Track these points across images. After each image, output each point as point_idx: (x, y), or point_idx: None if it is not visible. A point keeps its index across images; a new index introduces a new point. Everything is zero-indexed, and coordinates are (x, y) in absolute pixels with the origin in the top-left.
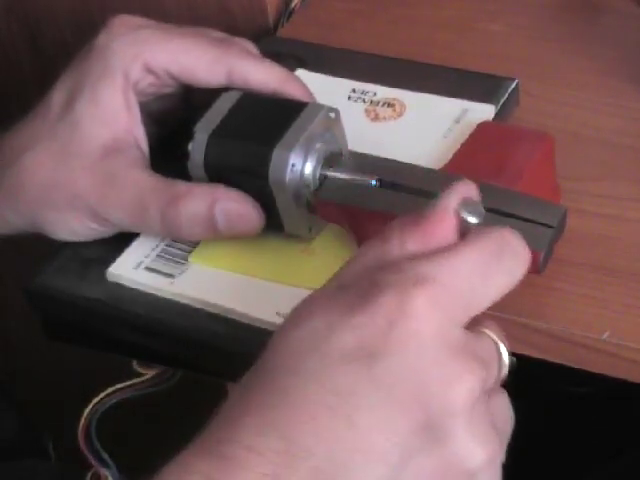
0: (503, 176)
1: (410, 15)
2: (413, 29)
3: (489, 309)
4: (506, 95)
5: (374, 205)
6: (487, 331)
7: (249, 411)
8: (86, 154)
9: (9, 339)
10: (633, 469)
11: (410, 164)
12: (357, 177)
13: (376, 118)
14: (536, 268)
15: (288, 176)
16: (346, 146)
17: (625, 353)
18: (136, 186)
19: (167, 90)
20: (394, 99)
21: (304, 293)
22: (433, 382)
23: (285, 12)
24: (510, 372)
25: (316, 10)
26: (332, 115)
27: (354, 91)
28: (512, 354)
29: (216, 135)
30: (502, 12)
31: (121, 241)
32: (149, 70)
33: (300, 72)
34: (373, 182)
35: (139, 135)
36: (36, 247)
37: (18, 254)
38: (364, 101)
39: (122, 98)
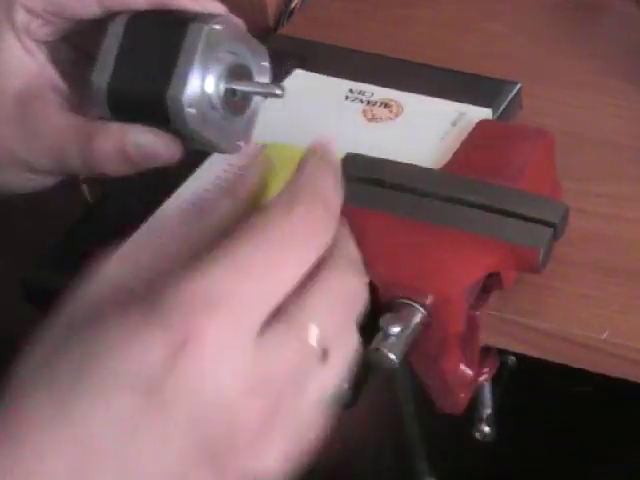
0: (504, 174)
1: (410, 15)
2: (413, 29)
3: (489, 309)
4: (507, 99)
5: (374, 205)
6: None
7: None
8: (2, 107)
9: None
10: (633, 469)
11: (409, 164)
12: (262, 89)
13: (373, 119)
14: (535, 266)
15: (189, 117)
16: (256, 55)
17: (625, 353)
18: (54, 128)
19: (66, 25)
20: (391, 100)
21: None
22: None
23: (285, 12)
24: (510, 372)
25: (316, 10)
26: (218, 27)
27: (351, 91)
28: (512, 354)
29: (112, 85)
30: (502, 12)
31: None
32: (31, 12)
33: (298, 72)
34: (278, 91)
35: (52, 77)
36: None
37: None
38: (361, 101)
39: (19, 45)
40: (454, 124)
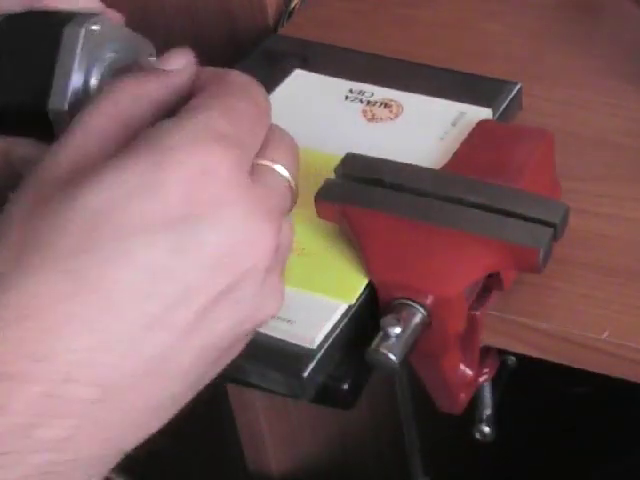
0: (504, 174)
1: (410, 15)
2: (413, 29)
3: (489, 309)
4: (507, 99)
5: (374, 205)
6: (276, 167)
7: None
8: None
9: None
10: (633, 469)
11: (409, 164)
12: None
13: (373, 119)
14: (535, 266)
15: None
16: (142, 52)
17: (625, 353)
18: None
19: None
20: (391, 100)
21: (295, 294)
22: (240, 246)
23: (285, 12)
24: (510, 372)
25: (316, 10)
26: (95, 28)
27: (351, 91)
28: (512, 354)
29: None
30: (502, 12)
31: None
32: None
33: (298, 72)
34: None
35: None
36: None
37: None
38: (361, 101)
39: None
40: (454, 124)
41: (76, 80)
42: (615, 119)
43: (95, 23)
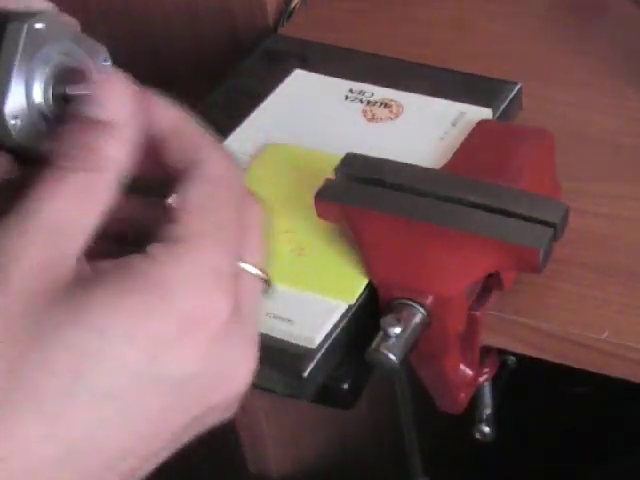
0: (504, 174)
1: (410, 15)
2: (413, 29)
3: (489, 309)
4: (507, 99)
5: (374, 205)
6: (254, 271)
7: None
8: None
9: None
10: (633, 469)
11: (409, 164)
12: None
13: (373, 118)
14: (535, 266)
15: (15, 131)
16: (93, 54)
17: (625, 353)
18: None
19: None
20: (391, 100)
21: (295, 294)
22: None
23: (285, 12)
24: (510, 372)
25: (316, 10)
26: (40, 26)
27: (351, 91)
28: (512, 354)
29: None
30: (502, 12)
31: None
32: None
33: (298, 72)
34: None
35: None
36: None
37: None
38: (361, 101)
39: None
40: (454, 124)
41: (18, 81)
42: (615, 119)
43: (40, 21)
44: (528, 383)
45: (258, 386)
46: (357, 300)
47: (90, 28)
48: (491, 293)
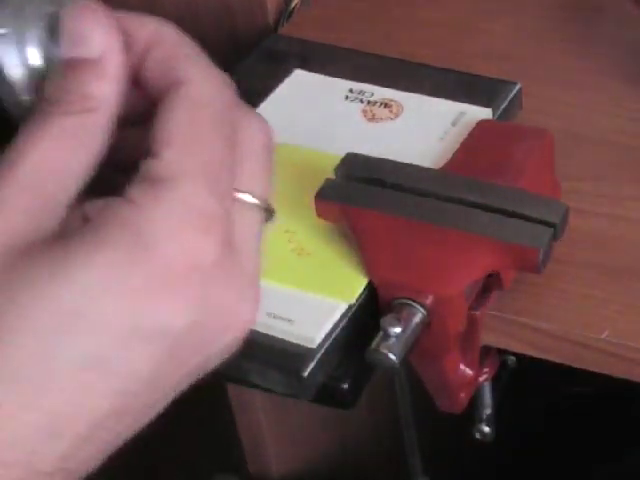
0: (504, 174)
1: (410, 15)
2: (413, 29)
3: (489, 309)
4: (507, 99)
5: (374, 205)
6: (251, 200)
7: None
8: None
9: None
10: (633, 469)
11: (409, 164)
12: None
13: (373, 118)
14: (535, 266)
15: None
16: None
17: (625, 353)
18: None
19: None
20: (391, 100)
21: (295, 294)
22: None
23: (285, 11)
24: (510, 372)
25: (316, 9)
26: None
27: (351, 91)
28: (512, 354)
29: None
30: (502, 12)
31: None
32: None
33: (298, 72)
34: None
35: None
36: None
37: None
38: (361, 101)
39: None
40: (454, 124)
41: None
42: (615, 119)
43: None
44: (528, 383)
45: (258, 386)
46: (357, 300)
47: None
48: (491, 293)
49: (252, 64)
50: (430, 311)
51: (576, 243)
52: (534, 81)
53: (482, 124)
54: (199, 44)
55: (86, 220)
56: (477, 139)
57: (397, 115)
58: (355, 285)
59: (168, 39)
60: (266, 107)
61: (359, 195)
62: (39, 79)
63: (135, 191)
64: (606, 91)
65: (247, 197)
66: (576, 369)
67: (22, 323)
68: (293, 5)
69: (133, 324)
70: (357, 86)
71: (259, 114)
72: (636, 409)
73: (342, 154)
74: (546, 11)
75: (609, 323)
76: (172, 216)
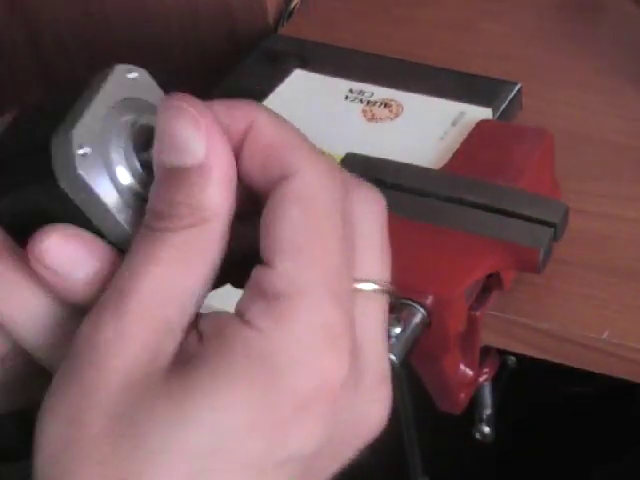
0: (504, 174)
1: (410, 15)
2: (413, 29)
3: (489, 309)
4: (507, 99)
5: None
6: (371, 288)
7: None
8: None
9: None
10: (633, 469)
11: (409, 164)
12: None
13: (372, 118)
14: (535, 266)
15: (112, 212)
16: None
17: (625, 353)
18: None
19: None
20: (391, 100)
21: None
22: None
23: (285, 12)
24: (510, 372)
25: (316, 10)
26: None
27: (351, 91)
28: (512, 354)
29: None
30: (502, 12)
31: None
32: None
33: (298, 72)
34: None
35: None
36: None
37: None
38: (361, 101)
39: None
40: (454, 124)
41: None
42: (615, 119)
43: (76, 125)
44: (528, 383)
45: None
46: None
47: (90, 30)
48: (491, 293)
49: (252, 64)
50: (430, 311)
51: (576, 243)
52: (534, 81)
53: (482, 124)
54: (199, 44)
55: (201, 338)
56: (477, 139)
57: (397, 115)
58: None
59: (266, 126)
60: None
61: None
62: (135, 196)
63: (252, 311)
64: (606, 91)
65: (368, 285)
66: (576, 369)
67: (154, 470)
68: (293, 5)
69: (265, 457)
70: (357, 86)
71: (368, 184)
72: (636, 409)
73: (342, 154)
74: (546, 11)
75: (609, 323)
76: (296, 341)
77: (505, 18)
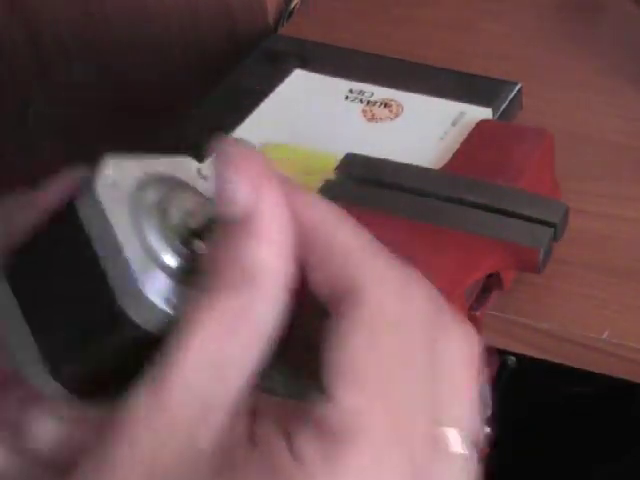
0: (504, 174)
1: (410, 15)
2: (413, 29)
3: (489, 309)
4: (507, 99)
5: (374, 205)
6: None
7: None
8: None
9: None
10: (633, 469)
11: (409, 164)
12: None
13: (372, 118)
14: (535, 266)
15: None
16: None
17: (625, 353)
18: None
19: None
20: (391, 100)
21: None
22: None
23: (285, 12)
24: (510, 372)
25: (316, 10)
26: (108, 173)
27: (351, 91)
28: (512, 354)
29: (60, 372)
30: (502, 12)
31: None
32: None
33: (298, 72)
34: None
35: None
36: None
37: None
38: (361, 101)
39: None
40: (454, 124)
41: (132, 248)
42: (615, 119)
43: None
44: (528, 383)
45: (258, 385)
46: None
47: (90, 30)
48: (491, 293)
49: (252, 64)
50: None
51: (576, 243)
52: (534, 81)
53: (482, 124)
54: (199, 44)
55: (251, 440)
56: (477, 139)
57: (397, 115)
58: None
59: (335, 229)
60: (266, 107)
61: (359, 195)
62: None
63: (304, 448)
64: (606, 91)
65: (452, 434)
66: (576, 369)
67: None
68: (293, 5)
69: None
70: (357, 86)
71: (461, 321)
72: (636, 409)
73: (342, 154)
74: (546, 11)
75: (609, 323)
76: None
77: (505, 18)
